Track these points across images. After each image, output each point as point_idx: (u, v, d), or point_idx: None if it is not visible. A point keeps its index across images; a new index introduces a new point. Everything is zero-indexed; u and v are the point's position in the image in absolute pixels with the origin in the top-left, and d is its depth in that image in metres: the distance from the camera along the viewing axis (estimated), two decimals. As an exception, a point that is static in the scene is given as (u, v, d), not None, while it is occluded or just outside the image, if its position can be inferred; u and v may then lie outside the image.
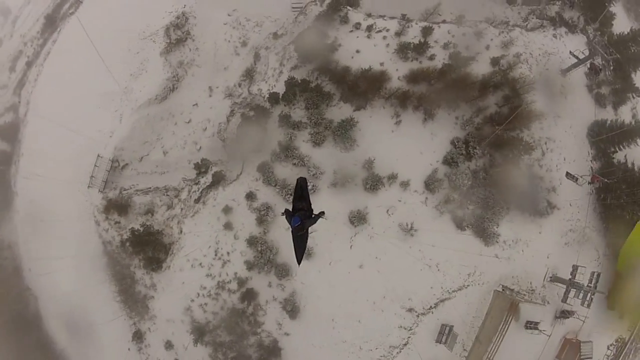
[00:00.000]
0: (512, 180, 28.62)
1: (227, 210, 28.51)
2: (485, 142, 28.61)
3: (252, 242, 27.83)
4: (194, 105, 31.91)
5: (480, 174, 28.54)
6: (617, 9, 34.02)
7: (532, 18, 33.60)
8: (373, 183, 27.78)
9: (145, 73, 32.94)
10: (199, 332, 27.95)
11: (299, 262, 13.59)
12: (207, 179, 29.26)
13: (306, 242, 13.65)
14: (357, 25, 31.57)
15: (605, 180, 29.80)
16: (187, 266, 28.65)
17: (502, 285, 27.34)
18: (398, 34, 31.24)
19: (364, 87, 29.12)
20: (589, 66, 31.69)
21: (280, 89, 29.86)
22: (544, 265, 28.15)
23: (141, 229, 29.21)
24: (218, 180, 28.93)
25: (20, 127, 33.97)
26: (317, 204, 26.49)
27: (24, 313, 29.94)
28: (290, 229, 12.74)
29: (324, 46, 30.06)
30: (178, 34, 33.41)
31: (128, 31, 33.46)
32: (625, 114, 32.12)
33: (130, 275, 29.54)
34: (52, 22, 35.90)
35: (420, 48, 30.33)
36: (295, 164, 28.28)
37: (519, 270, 27.97)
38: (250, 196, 28.38)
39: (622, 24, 33.92)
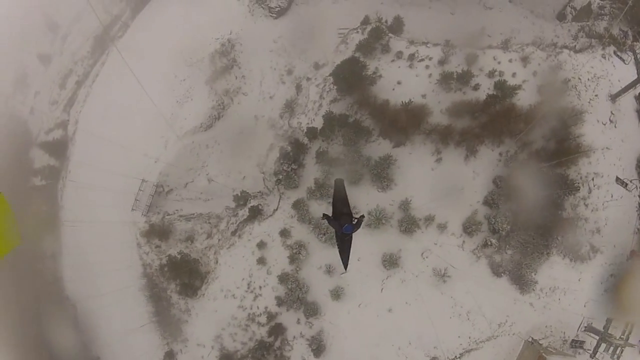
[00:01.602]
0: (555, 222, 27.55)
1: (261, 245, 28.76)
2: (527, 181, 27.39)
3: (283, 279, 28.09)
4: (239, 133, 31.72)
5: (521, 216, 27.47)
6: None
7: (582, 36, 31.22)
8: (409, 225, 27.22)
9: (191, 101, 32.92)
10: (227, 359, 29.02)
11: (345, 267, 14.26)
12: (244, 212, 29.38)
13: (350, 245, 14.04)
14: (399, 55, 30.04)
15: None
16: (221, 296, 29.36)
17: (532, 338, 26.71)
18: (441, 62, 29.62)
19: (404, 121, 28.10)
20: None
21: (319, 123, 29.13)
22: (580, 314, 27.29)
23: (178, 257, 29.99)
24: (254, 214, 29.04)
25: (69, 145, 34.94)
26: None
27: (61, 321, 31.65)
28: (335, 234, 13.32)
29: (363, 78, 28.90)
30: (224, 61, 33.00)
31: (174, 57, 33.24)
32: None
33: (166, 298, 30.61)
34: (101, 44, 36.11)
35: (464, 77, 28.75)
36: (330, 202, 27.89)
37: (553, 320, 27.22)
38: (284, 233, 28.47)
39: None
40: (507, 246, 27.37)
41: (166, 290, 30.81)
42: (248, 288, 29.05)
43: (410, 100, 28.28)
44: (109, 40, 35.55)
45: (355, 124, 28.17)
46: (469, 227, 27.27)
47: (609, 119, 29.38)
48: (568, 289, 27.44)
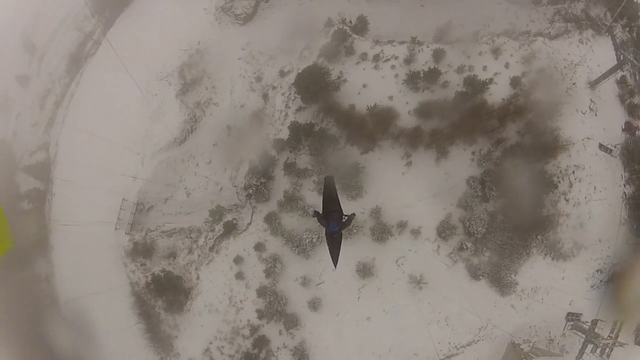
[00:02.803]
0: (535, 221, 26.61)
1: (238, 260, 28.80)
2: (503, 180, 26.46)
3: (261, 292, 28.17)
4: (213, 145, 31.44)
5: (498, 217, 26.66)
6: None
7: (558, 20, 29.70)
8: (381, 233, 26.77)
9: (164, 116, 32.72)
10: (219, 371, 29.43)
11: (335, 265, 13.90)
12: (220, 228, 29.41)
13: (340, 243, 13.85)
14: (364, 56, 29.11)
15: None
16: (205, 311, 29.62)
17: (513, 342, 26.08)
18: (408, 61, 28.61)
19: (371, 126, 27.42)
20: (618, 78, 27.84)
21: (286, 133, 28.68)
22: (565, 312, 26.49)
23: (162, 275, 30.35)
24: (229, 229, 29.05)
25: (51, 167, 35.37)
26: (325, 255, 26.58)
27: (59, 346, 32.48)
28: (325, 232, 13.06)
29: (327, 84, 28.17)
30: (193, 73, 32.58)
31: (146, 72, 33.04)
32: None
33: (155, 315, 31.04)
34: (75, 62, 35.91)
35: (431, 76, 27.73)
36: (301, 214, 27.70)
37: (537, 320, 26.66)
38: (259, 247, 28.42)
39: None
40: (484, 248, 26.70)
41: (154, 307, 31.19)
42: (230, 302, 29.22)
43: (375, 104, 27.46)
44: (82, 59, 35.62)
45: (321, 133, 27.61)
46: (444, 231, 26.68)
47: (589, 107, 28.10)
48: (551, 288, 26.74)
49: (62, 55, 37.03)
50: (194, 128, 32.09)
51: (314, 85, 27.42)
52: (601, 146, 27.52)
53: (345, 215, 13.55)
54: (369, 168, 27.42)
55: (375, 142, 27.38)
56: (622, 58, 28.02)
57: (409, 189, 27.12)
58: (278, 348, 28.45)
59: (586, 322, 26.23)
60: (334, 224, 12.65)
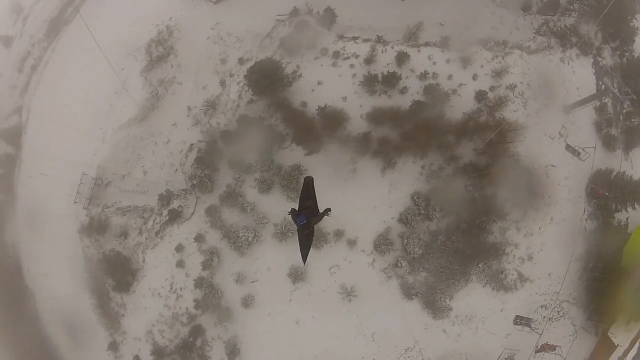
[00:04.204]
0: (479, 248, 25.11)
1: (180, 248, 28.74)
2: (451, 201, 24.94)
3: (199, 283, 28.12)
4: (173, 125, 31.18)
5: (440, 239, 25.28)
6: None
7: (544, 32, 27.20)
8: (316, 239, 25.86)
9: (127, 92, 32.58)
10: (159, 354, 29.76)
11: (304, 261, 14.64)
12: (166, 215, 29.32)
13: (312, 240, 14.52)
14: (324, 51, 27.71)
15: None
16: (149, 294, 29.87)
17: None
18: (368, 61, 27.00)
19: (320, 127, 26.25)
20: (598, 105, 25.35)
21: (235, 126, 27.91)
22: (501, 346, 25.12)
23: (112, 254, 30.76)
24: (174, 217, 28.94)
25: (22, 132, 35.92)
26: (261, 254, 26.23)
27: (23, 312, 33.76)
28: (297, 228, 13.57)
29: (281, 78, 26.99)
30: (160, 50, 32.15)
31: (117, 46, 32.62)
32: (638, 165, 25.74)
33: (106, 292, 31.70)
34: (55, 28, 36.05)
35: (391, 80, 26.07)
36: (241, 211, 27.19)
37: (469, 349, 25.33)
38: (199, 238, 28.23)
39: None
40: (422, 269, 25.42)
41: (105, 285, 31.76)
42: (171, 289, 29.38)
43: (326, 105, 26.17)
44: (61, 25, 35.47)
45: (269, 129, 26.60)
46: (381, 246, 25.63)
47: (559, 133, 25.88)
48: (488, 319, 25.36)
49: (45, 19, 37.21)
50: (156, 106, 31.86)
51: (265, 81, 26.41)
52: (568, 147, 25.58)
53: (320, 213, 13.95)
54: (312, 171, 26.35)
55: (322, 145, 26.18)
56: (602, 88, 25.34)
57: (351, 197, 26.01)
58: (213, 339, 28.49)
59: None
60: (302, 217, 13.02)
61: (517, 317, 25.30)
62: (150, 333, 29.85)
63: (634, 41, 27.64)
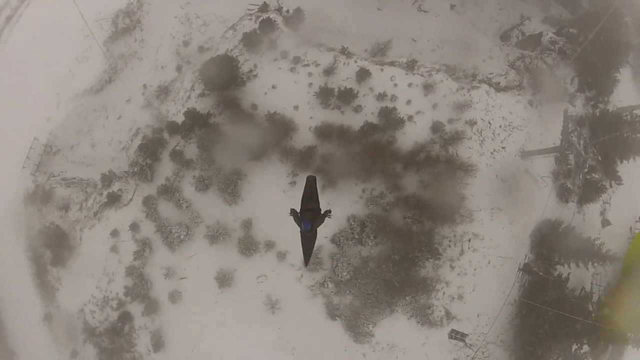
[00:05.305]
0: (408, 281, 24.53)
1: (115, 233, 28.29)
2: (385, 231, 24.22)
3: (130, 271, 27.77)
4: (127, 101, 30.43)
5: (370, 265, 24.67)
6: (624, 75, 25.37)
7: (518, 67, 25.91)
8: (247, 246, 25.44)
9: (87, 61, 31.67)
10: (89, 334, 29.69)
11: (306, 264, 14.61)
12: (105, 196, 28.74)
13: (314, 242, 13.94)
14: (284, 54, 26.55)
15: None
16: (83, 273, 29.55)
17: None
18: (327, 72, 25.85)
19: (266, 133, 25.35)
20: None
21: (181, 118, 27.03)
22: (419, 378, 24.85)
23: (51, 227, 30.35)
24: (113, 200, 28.38)
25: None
26: (191, 252, 25.68)
27: None
28: (299, 230, 12.91)
29: (235, 75, 25.94)
30: (127, 22, 31.23)
31: (86, 10, 31.48)
32: (590, 217, 25.08)
33: (43, 264, 31.45)
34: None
35: (346, 96, 25.00)
36: (176, 206, 26.58)
37: (386, 376, 25.04)
38: (134, 226, 27.72)
39: (625, 93, 25.06)
40: (348, 292, 24.87)
41: (43, 256, 31.47)
42: (104, 271, 29.06)
43: (275, 111, 25.17)
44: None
45: (215, 127, 25.71)
46: (310, 263, 24.88)
47: (511, 177, 24.78)
48: (409, 350, 24.92)
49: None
50: (113, 79, 31.13)
51: (217, 78, 25.30)
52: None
53: (321, 214, 13.43)
54: (251, 176, 25.68)
55: (265, 152, 25.30)
56: (566, 145, 24.22)
57: (287, 209, 25.07)
58: (140, 327, 28.24)
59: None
60: (306, 223, 12.67)
61: (453, 330, 24.88)
62: (81, 311, 29.64)
63: (612, 92, 26.43)
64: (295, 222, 13.18)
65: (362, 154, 24.46)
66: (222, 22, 29.17)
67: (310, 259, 14.07)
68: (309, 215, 12.97)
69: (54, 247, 30.38)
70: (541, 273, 24.10)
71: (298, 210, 13.44)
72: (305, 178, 13.33)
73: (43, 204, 31.35)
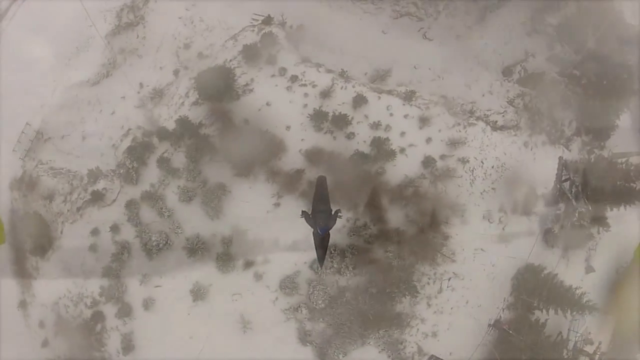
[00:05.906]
0: (383, 314, 24.27)
1: (95, 232, 27.99)
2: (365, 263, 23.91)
3: (106, 272, 27.54)
4: (122, 97, 29.99)
5: (346, 295, 24.38)
6: (622, 120, 25.75)
7: (517, 105, 25.43)
8: (225, 262, 25.17)
9: (87, 51, 31.23)
10: (60, 327, 29.54)
11: (320, 265, 15.84)
12: (89, 193, 28.43)
13: (328, 243, 14.51)
14: (282, 71, 26.02)
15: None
16: (60, 266, 29.39)
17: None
18: (324, 94, 25.34)
19: (255, 151, 24.94)
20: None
21: (172, 124, 26.65)
22: (383, 414, 24.67)
23: (34, 216, 30.09)
24: (96, 198, 28.08)
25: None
26: (168, 262, 25.39)
27: None
28: (312, 231, 13.57)
29: (231, 87, 25.50)
30: (130, 17, 30.71)
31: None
32: (574, 262, 24.88)
33: (23, 251, 31.25)
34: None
35: (339, 122, 24.56)
36: (158, 214, 26.28)
37: (352, 407, 24.86)
38: (114, 229, 27.44)
39: (622, 138, 25.08)
40: (322, 319, 24.60)
41: (24, 243, 31.24)
42: (80, 268, 28.83)
43: (267, 130, 24.73)
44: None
45: (204, 139, 25.32)
46: (286, 287, 24.71)
47: (499, 219, 24.42)
48: (377, 383, 24.67)
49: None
50: (110, 74, 30.71)
51: (213, 88, 24.88)
52: None
53: (333, 215, 13.67)
54: (236, 192, 25.33)
55: (252, 169, 24.90)
56: (558, 194, 23.85)
57: (268, 231, 24.98)
58: (111, 328, 28.04)
59: None
60: (323, 229, 12.87)
61: (432, 356, 24.72)
62: (56, 304, 29.42)
63: (609, 137, 25.95)
64: (308, 223, 13.46)
65: (349, 182, 23.99)
66: (225, 29, 28.67)
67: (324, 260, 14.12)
68: (322, 217, 13.03)
69: (34, 236, 30.20)
70: (511, 332, 23.85)
71: (309, 213, 13.59)
72: (317, 178, 13.62)
73: (29, 190, 31.12)
